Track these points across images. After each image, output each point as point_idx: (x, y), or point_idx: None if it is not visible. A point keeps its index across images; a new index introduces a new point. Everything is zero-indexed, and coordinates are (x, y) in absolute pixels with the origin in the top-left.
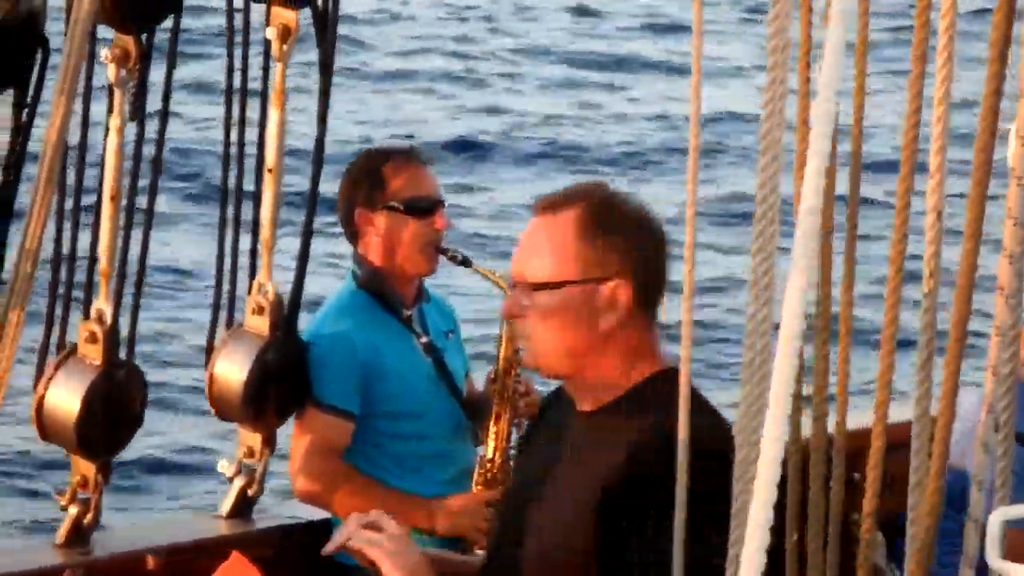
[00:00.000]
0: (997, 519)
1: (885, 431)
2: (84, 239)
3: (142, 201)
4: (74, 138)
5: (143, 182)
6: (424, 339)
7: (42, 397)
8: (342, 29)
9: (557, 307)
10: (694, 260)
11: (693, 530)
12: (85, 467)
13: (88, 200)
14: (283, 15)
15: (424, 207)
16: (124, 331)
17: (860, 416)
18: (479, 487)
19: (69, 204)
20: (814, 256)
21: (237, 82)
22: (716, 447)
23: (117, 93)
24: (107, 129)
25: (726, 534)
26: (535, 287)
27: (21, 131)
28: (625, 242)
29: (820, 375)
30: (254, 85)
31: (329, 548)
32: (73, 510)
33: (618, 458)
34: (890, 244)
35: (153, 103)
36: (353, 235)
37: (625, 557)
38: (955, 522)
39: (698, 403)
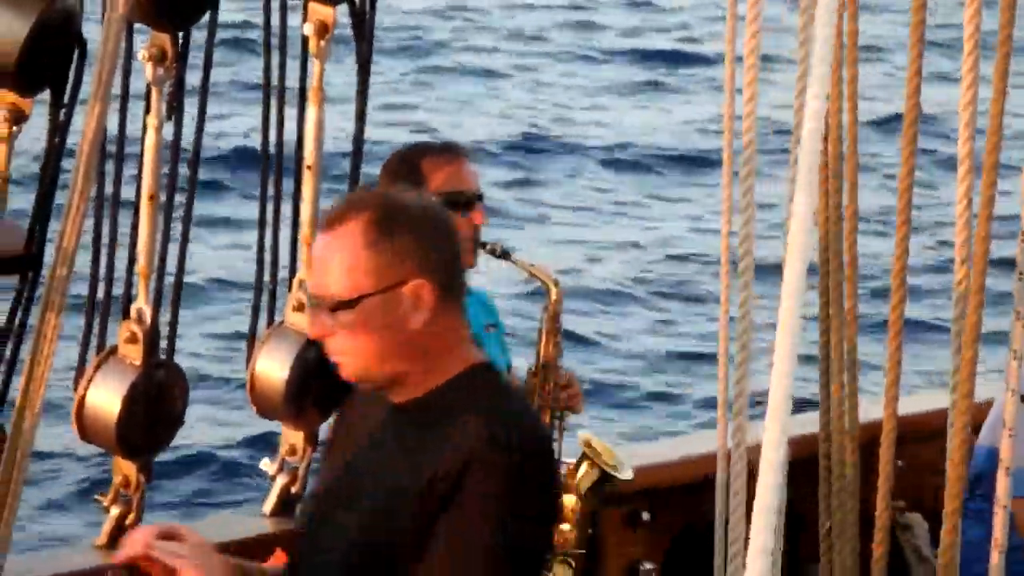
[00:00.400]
0: None
1: (896, 420)
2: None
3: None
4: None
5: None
6: None
7: (82, 398)
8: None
9: (362, 321)
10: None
11: (506, 520)
12: (126, 467)
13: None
14: (320, 11)
15: (463, 201)
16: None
17: (903, 404)
18: None
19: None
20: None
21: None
22: (530, 443)
23: (154, 92)
24: (144, 128)
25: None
26: (335, 307)
27: (59, 131)
28: (416, 241)
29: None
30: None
31: (120, 558)
32: (115, 510)
33: (435, 449)
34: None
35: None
36: None
37: (439, 545)
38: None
39: (510, 399)
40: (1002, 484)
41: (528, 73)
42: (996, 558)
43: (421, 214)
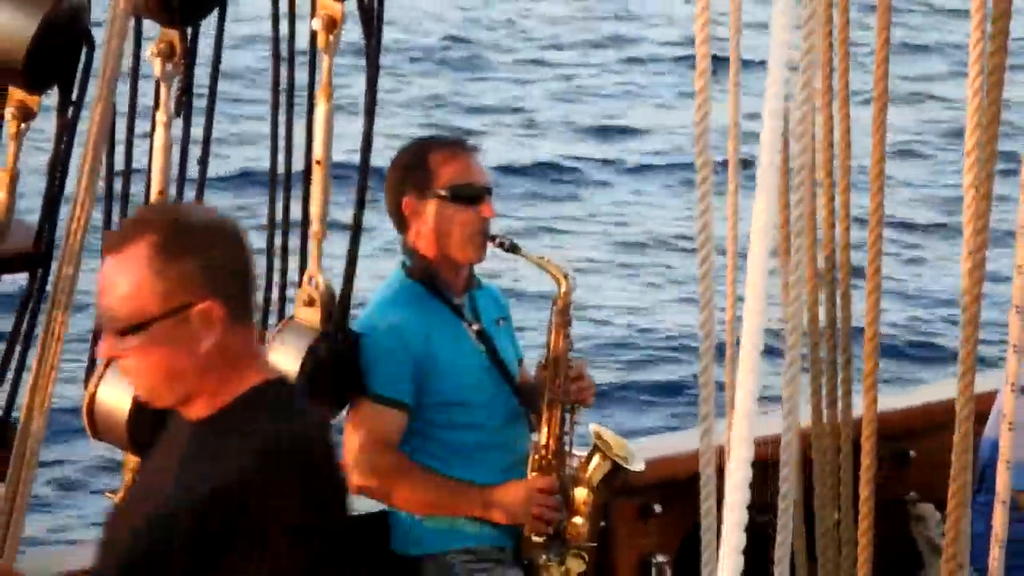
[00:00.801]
0: None
1: (876, 414)
2: None
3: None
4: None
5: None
6: (476, 327)
7: (93, 395)
8: None
9: (151, 344)
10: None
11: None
12: (137, 464)
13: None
14: (329, 6)
15: (472, 195)
16: None
17: (908, 396)
18: (534, 474)
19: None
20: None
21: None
22: (305, 455)
23: (163, 88)
24: (153, 124)
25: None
26: (123, 332)
27: (67, 128)
28: (203, 261)
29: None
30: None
31: None
32: None
33: (223, 465)
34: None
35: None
36: (401, 225)
37: (223, 560)
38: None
39: (295, 414)
40: (1002, 478)
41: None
42: (996, 552)
43: (209, 232)
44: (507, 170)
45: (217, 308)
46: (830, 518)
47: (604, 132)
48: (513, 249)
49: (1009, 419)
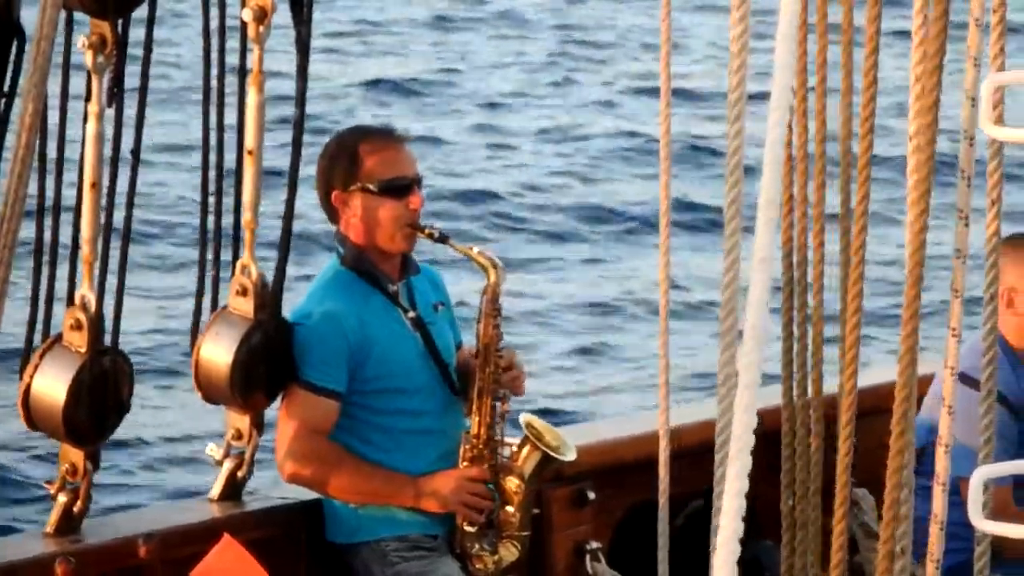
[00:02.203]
0: (979, 479)
1: (856, 397)
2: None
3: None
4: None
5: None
6: (411, 314)
7: (28, 386)
8: None
9: None
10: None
11: None
12: (74, 455)
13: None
14: None
15: (399, 187)
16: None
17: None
18: (465, 463)
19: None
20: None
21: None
22: None
23: (95, 80)
24: (85, 116)
25: None
26: None
27: None
28: None
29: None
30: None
31: None
32: (62, 498)
33: None
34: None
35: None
36: (332, 214)
37: None
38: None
39: None
40: (941, 462)
41: None
42: (935, 531)
43: None
44: None
45: None
46: (786, 502)
47: None
48: (442, 240)
49: (948, 403)
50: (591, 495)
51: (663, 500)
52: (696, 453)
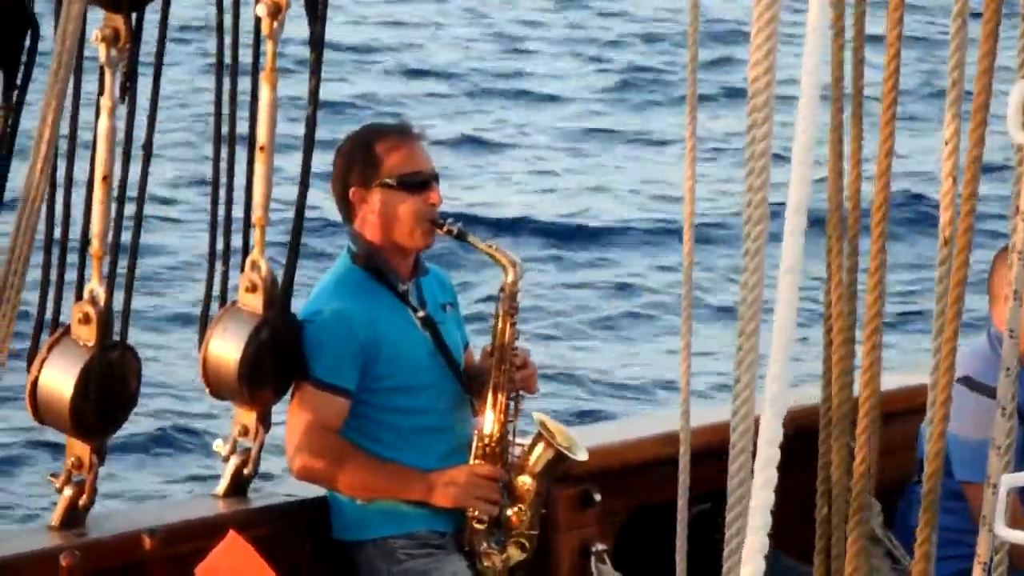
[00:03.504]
0: (1003, 488)
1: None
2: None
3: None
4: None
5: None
6: (421, 313)
7: (36, 379)
8: None
9: None
10: None
11: None
12: (80, 448)
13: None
14: None
15: (419, 182)
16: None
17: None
18: (477, 460)
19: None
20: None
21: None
22: None
23: (107, 74)
24: (97, 110)
25: None
26: None
27: (12, 113)
28: None
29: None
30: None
31: None
32: (68, 492)
33: None
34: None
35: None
36: (347, 212)
37: None
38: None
39: None
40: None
41: None
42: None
43: None
44: None
45: None
46: (820, 510)
47: None
48: (461, 236)
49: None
50: (597, 497)
51: (682, 502)
52: (701, 456)
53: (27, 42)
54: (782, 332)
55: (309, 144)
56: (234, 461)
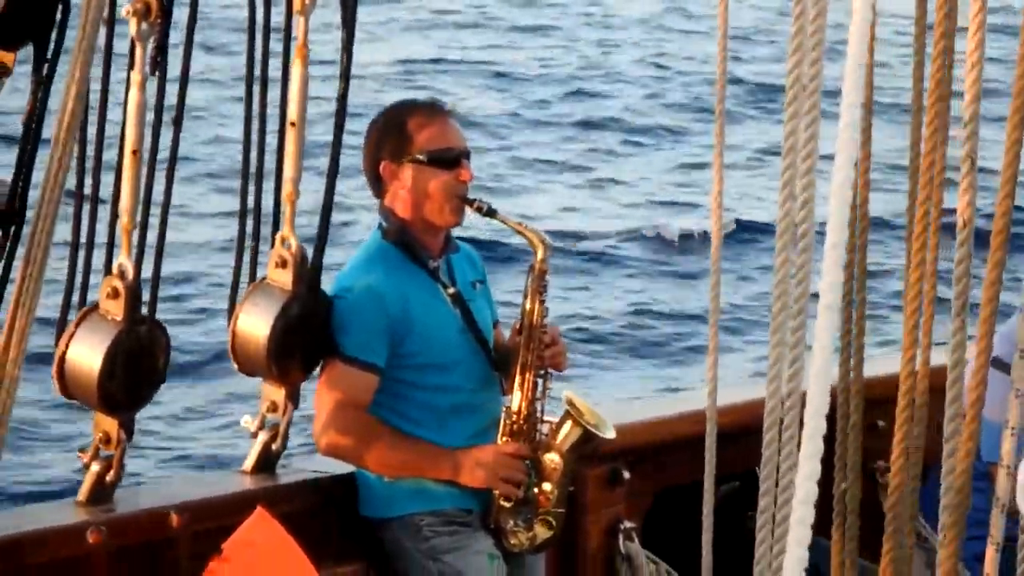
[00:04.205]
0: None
1: (915, 379)
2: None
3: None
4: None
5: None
6: (451, 290)
7: (63, 354)
8: None
9: None
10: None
11: None
12: (108, 424)
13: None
14: None
15: (449, 159)
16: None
17: (880, 364)
18: (505, 438)
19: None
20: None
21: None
22: None
23: (138, 47)
24: (128, 83)
25: None
26: None
27: (41, 86)
28: None
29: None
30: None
31: None
32: (95, 467)
33: None
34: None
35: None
36: (378, 188)
37: None
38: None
39: None
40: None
41: None
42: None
43: None
44: None
45: None
46: (838, 485)
47: None
48: (491, 213)
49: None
50: (625, 475)
51: (709, 482)
52: (729, 436)
53: (58, 16)
54: (827, 309)
55: (340, 119)
56: (262, 437)
